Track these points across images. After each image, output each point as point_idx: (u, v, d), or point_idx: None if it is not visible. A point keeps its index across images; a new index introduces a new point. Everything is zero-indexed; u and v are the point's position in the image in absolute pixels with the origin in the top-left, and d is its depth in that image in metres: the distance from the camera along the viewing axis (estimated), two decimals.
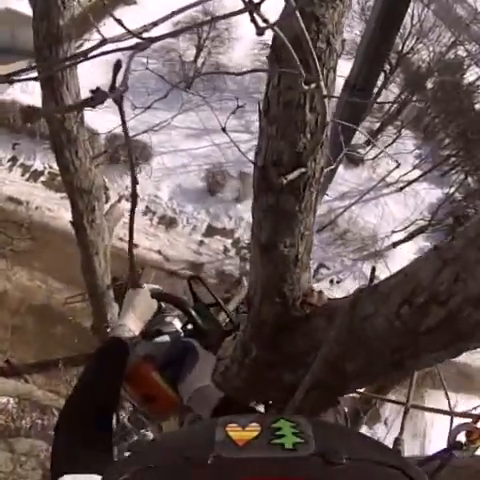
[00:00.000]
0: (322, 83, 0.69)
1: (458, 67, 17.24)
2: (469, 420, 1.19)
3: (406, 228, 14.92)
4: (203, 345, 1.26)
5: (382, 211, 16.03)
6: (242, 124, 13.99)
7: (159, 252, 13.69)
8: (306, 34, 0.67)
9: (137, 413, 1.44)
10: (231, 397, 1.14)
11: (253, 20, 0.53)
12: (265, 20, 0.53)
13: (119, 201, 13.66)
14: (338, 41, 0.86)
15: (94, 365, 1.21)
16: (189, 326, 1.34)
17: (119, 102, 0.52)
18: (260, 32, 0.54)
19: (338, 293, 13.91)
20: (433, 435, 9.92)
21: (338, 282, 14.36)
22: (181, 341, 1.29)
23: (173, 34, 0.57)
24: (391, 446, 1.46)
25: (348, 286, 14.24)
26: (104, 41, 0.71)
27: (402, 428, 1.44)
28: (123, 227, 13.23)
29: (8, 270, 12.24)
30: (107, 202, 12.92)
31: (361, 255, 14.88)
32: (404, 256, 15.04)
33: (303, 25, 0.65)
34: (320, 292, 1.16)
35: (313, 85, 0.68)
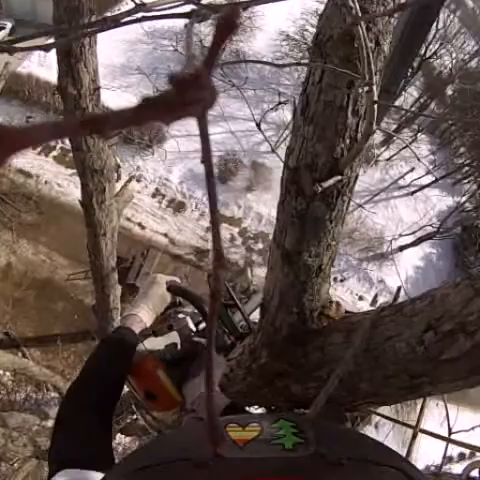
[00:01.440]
0: (374, 87, 0.62)
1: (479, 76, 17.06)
2: None
3: (414, 233, 14.85)
4: (215, 347, 1.21)
5: (392, 213, 15.97)
6: (258, 113, 13.86)
7: (165, 235, 13.71)
8: (361, 31, 0.61)
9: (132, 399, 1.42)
10: (238, 404, 1.10)
11: None
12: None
13: (129, 181, 13.65)
14: (387, 42, 0.79)
15: (102, 353, 1.19)
16: (203, 325, 1.29)
17: (202, 113, 0.23)
18: None
19: (341, 291, 13.92)
20: (422, 444, 9.86)
21: (342, 280, 14.34)
22: (191, 341, 1.25)
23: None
24: None
25: (351, 286, 14.24)
26: (140, 6, 0.64)
27: (409, 452, 1.38)
28: (131, 207, 13.27)
29: (13, 243, 12.27)
30: (118, 181, 12.90)
31: (367, 256, 14.84)
32: (409, 261, 15.00)
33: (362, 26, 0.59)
34: (338, 304, 1.10)
35: (366, 88, 0.61)
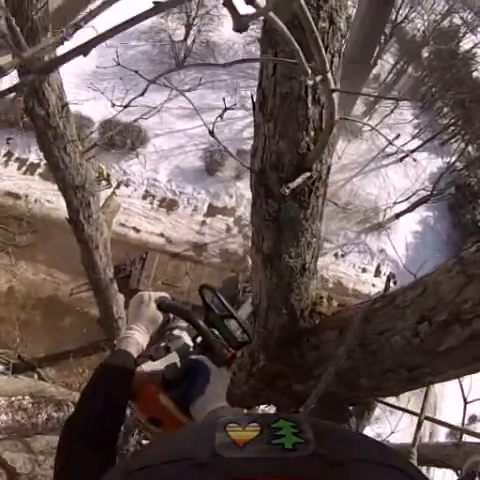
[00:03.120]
0: (329, 75, 0.56)
1: (454, 35, 16.88)
2: None
3: (408, 199, 14.80)
4: (215, 360, 1.16)
5: (383, 182, 15.92)
6: (236, 100, 13.69)
7: (162, 235, 13.66)
8: (307, 11, 0.54)
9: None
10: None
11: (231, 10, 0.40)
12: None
13: (118, 187, 13.55)
14: (343, 18, 0.71)
15: (99, 382, 1.13)
16: (199, 339, 1.23)
17: None
18: (238, 28, 0.41)
19: (343, 267, 13.89)
20: (444, 408, 9.90)
21: (343, 255, 14.31)
22: (190, 359, 1.18)
23: None
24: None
25: (353, 259, 14.21)
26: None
27: (415, 440, 1.34)
28: (123, 213, 13.20)
29: (12, 266, 12.22)
30: (110, 187, 12.84)
31: (364, 227, 14.81)
32: (407, 227, 14.98)
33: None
34: (329, 299, 1.06)
35: (318, 77, 0.55)
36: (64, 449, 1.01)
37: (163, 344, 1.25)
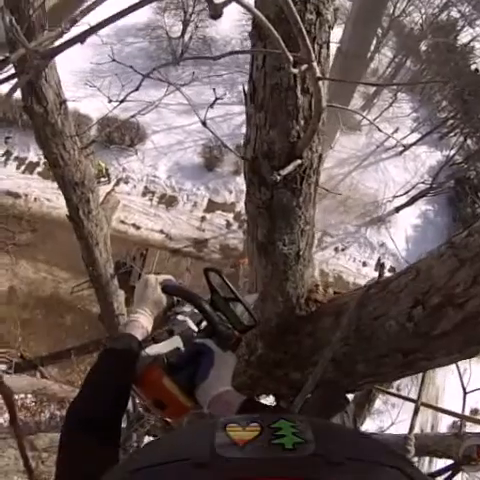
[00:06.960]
0: (314, 63, 0.58)
1: (451, 28, 16.84)
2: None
3: (407, 192, 14.79)
4: (220, 344, 1.15)
5: (382, 176, 15.92)
6: (234, 96, 13.67)
7: (162, 231, 13.67)
8: (291, 3, 0.56)
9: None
10: (255, 400, 1.06)
11: None
12: None
13: (117, 184, 13.55)
14: (330, 10, 0.73)
15: (103, 365, 1.14)
16: (204, 323, 1.22)
17: None
18: (213, 14, 0.42)
19: (344, 261, 13.92)
20: (446, 400, 9.92)
21: (343, 249, 14.35)
22: (194, 342, 1.18)
23: None
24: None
25: (353, 253, 14.24)
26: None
27: (412, 426, 1.36)
28: (123, 210, 13.21)
29: (13, 265, 12.25)
30: (109, 182, 12.86)
31: (364, 221, 14.82)
32: (407, 220, 14.99)
33: None
34: (326, 286, 1.07)
35: (304, 66, 0.57)
36: (67, 434, 1.00)
37: (167, 327, 1.24)
